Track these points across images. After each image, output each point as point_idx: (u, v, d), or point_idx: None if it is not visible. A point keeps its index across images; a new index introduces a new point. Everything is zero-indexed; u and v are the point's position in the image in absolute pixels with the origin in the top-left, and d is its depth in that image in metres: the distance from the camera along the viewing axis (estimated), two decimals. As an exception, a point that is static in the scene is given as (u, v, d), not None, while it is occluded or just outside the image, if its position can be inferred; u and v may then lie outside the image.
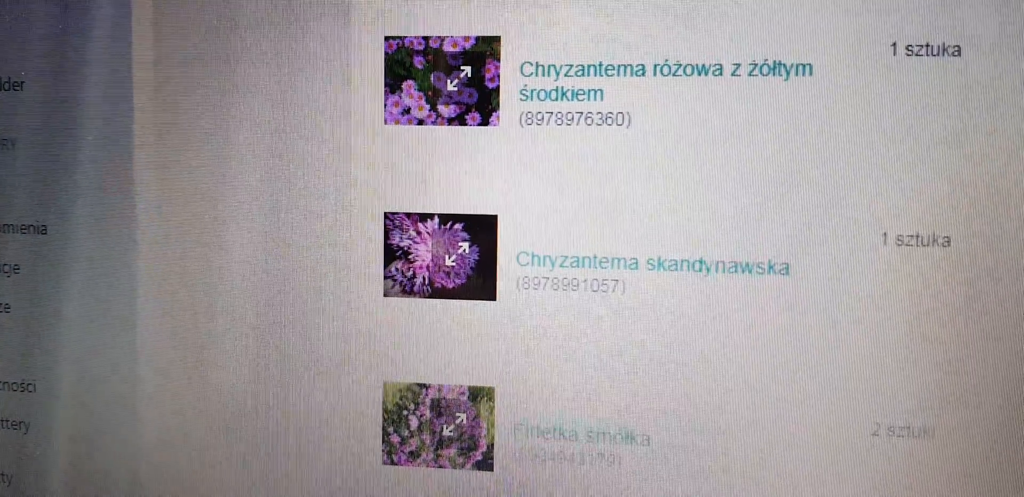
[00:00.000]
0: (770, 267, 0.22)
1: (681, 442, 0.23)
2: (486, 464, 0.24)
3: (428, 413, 0.24)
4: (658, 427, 0.23)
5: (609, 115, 0.23)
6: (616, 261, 0.23)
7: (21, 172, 0.26)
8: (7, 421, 0.27)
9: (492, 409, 0.24)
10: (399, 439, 0.25)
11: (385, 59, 0.24)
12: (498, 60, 0.23)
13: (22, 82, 0.26)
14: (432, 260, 0.24)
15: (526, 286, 0.24)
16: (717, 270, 0.23)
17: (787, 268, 0.22)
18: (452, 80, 0.23)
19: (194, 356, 0.25)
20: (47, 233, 0.26)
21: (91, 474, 0.26)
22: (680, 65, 0.22)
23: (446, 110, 0.24)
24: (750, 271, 0.23)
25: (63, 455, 0.26)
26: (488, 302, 0.24)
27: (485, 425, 0.24)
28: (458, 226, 0.24)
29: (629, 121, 0.23)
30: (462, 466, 0.24)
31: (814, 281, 0.22)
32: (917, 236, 0.22)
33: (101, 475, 0.26)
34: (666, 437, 0.23)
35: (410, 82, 0.24)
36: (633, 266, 0.23)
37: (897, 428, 0.22)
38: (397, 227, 0.24)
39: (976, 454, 0.22)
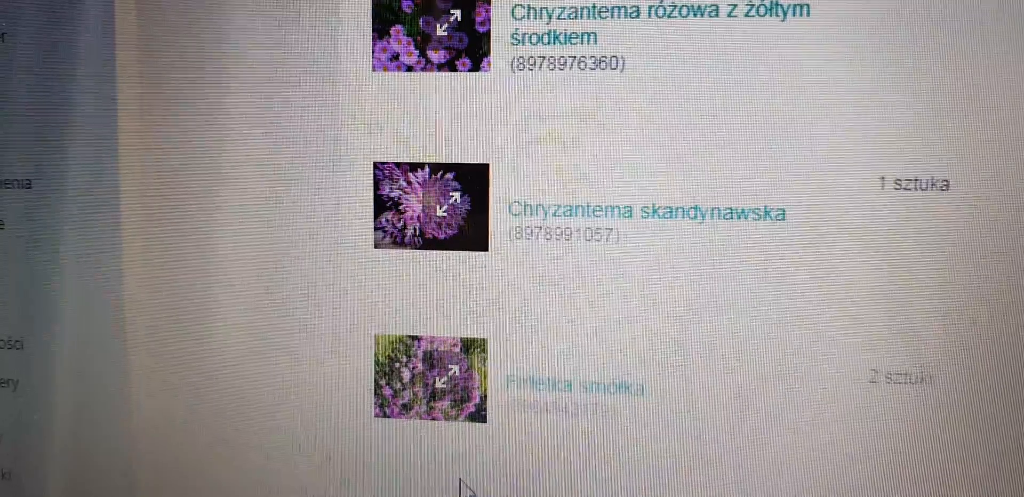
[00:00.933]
0: (766, 213, 0.22)
1: (677, 391, 0.23)
2: (479, 416, 0.24)
3: (420, 365, 0.24)
4: (653, 377, 0.23)
5: (603, 59, 0.22)
6: (610, 210, 0.23)
7: (4, 126, 0.25)
8: (-4, 379, 0.27)
9: (485, 361, 0.24)
10: (391, 392, 0.24)
11: (372, 3, 0.23)
12: (489, 3, 0.23)
13: (3, 33, 0.25)
14: (423, 210, 0.24)
15: (518, 236, 0.23)
16: (712, 217, 0.22)
17: (783, 213, 0.22)
18: (442, 24, 0.23)
19: (183, 309, 0.25)
20: (31, 187, 0.26)
21: (85, 432, 0.26)
22: (675, 6, 0.22)
23: (436, 56, 0.23)
24: (746, 217, 0.22)
25: (55, 413, 0.26)
26: (480, 253, 0.24)
27: (478, 377, 0.24)
28: (449, 175, 0.24)
29: (623, 65, 0.22)
30: (455, 418, 0.24)
31: (811, 226, 0.22)
32: (916, 180, 0.22)
33: (96, 432, 0.26)
34: (662, 387, 0.23)
35: (398, 27, 0.23)
36: (627, 214, 0.23)
37: (895, 375, 0.22)
38: (387, 177, 0.24)
39: (977, 400, 0.22)
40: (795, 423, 0.22)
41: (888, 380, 0.22)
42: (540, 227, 0.23)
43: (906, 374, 0.22)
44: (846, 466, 0.22)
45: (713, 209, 0.22)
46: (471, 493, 0.24)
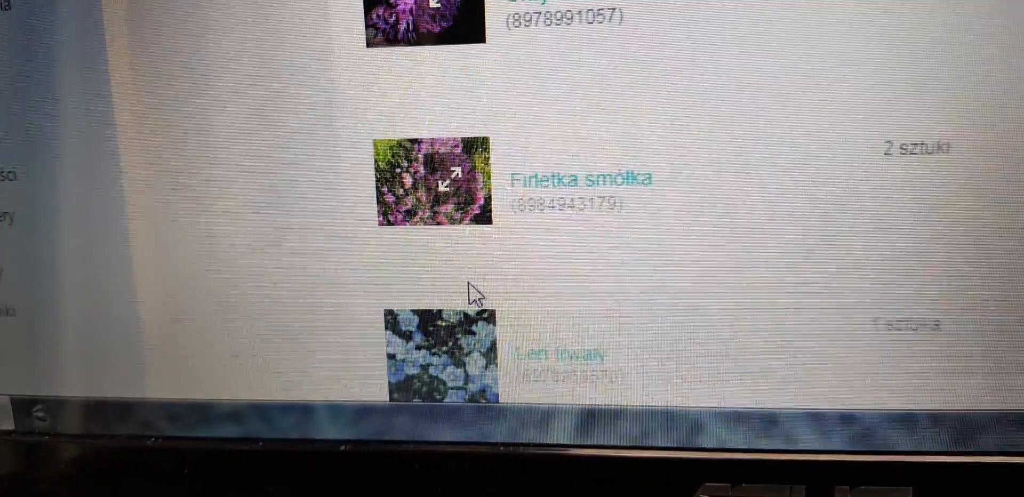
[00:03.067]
0: (776, -21, 0.21)
1: (685, 178, 0.22)
2: (485, 217, 0.23)
3: (422, 169, 0.24)
4: (660, 164, 0.22)
5: None
6: (611, -12, 0.22)
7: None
8: (-9, 211, 0.26)
9: (487, 160, 0.23)
10: (394, 198, 0.24)
11: None
12: None
13: None
14: (415, 2, 0.23)
15: (517, 23, 0.22)
16: (719, -13, 0.21)
17: (794, -21, 0.21)
18: None
19: (177, 134, 0.24)
20: (11, 8, 0.25)
21: (89, 267, 0.26)
22: None
23: None
24: (754, -15, 0.21)
25: (56, 247, 0.26)
26: (477, 45, 0.23)
27: (481, 177, 0.23)
28: (441, -37, 0.22)
29: None
30: (460, 221, 0.24)
31: (823, -9, 0.21)
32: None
33: (100, 267, 0.26)
34: (669, 174, 0.22)
35: None
36: (630, -9, 0.22)
37: (910, 145, 0.21)
38: (376, -31, 0.23)
39: (997, 169, 0.21)
40: (806, 199, 0.22)
41: (903, 151, 0.21)
42: (539, 12, 0.22)
43: (922, 143, 0.21)
44: (855, 241, 0.22)
45: (720, -21, 0.21)
46: (480, 296, 0.24)
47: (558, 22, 0.22)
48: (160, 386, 0.26)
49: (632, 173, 0.23)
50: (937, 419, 0.23)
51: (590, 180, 0.23)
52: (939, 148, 0.21)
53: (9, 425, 0.27)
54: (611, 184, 0.23)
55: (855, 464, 0.23)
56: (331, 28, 0.23)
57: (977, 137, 0.21)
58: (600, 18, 0.22)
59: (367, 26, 0.23)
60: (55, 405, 0.27)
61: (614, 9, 0.22)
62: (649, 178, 0.22)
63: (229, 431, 0.26)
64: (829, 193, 0.22)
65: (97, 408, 0.27)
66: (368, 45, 0.23)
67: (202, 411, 0.26)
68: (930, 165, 0.21)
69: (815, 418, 0.23)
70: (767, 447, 0.23)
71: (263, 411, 0.26)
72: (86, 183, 0.25)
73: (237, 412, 0.26)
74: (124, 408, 0.27)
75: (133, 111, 0.24)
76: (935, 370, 0.22)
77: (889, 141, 0.21)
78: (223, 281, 0.25)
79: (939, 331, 0.22)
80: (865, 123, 0.21)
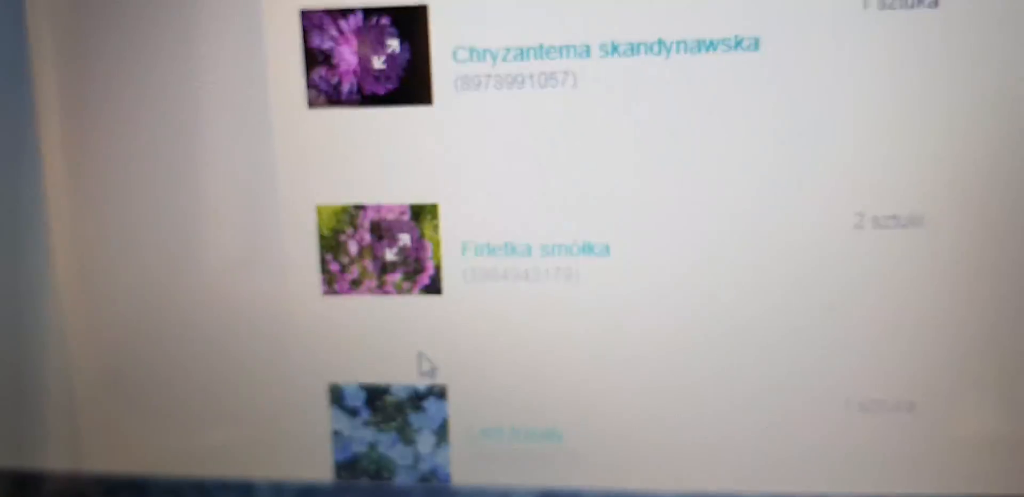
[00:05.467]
0: (737, 43, 0.20)
1: (644, 249, 0.21)
2: (434, 288, 0.22)
3: (368, 236, 0.22)
4: (618, 235, 0.21)
5: None
6: (565, 50, 0.20)
7: None
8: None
9: (437, 228, 0.22)
10: (339, 267, 0.22)
11: None
12: None
13: None
14: (358, 63, 0.21)
15: (465, 86, 0.21)
16: (679, 51, 0.20)
17: (756, 43, 0.20)
18: None
19: (106, 190, 0.23)
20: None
21: (12, 337, 0.24)
22: None
23: None
24: (715, 48, 0.20)
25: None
26: (424, 107, 0.21)
27: (431, 246, 0.22)
28: (384, 21, 0.21)
29: None
30: (409, 291, 0.22)
31: (787, 55, 0.20)
32: (903, -3, 0.19)
33: (24, 336, 0.24)
34: (628, 245, 0.21)
35: None
36: (584, 54, 0.20)
37: (882, 218, 0.20)
38: (316, 27, 0.21)
39: (973, 243, 0.20)
40: (773, 271, 0.21)
41: (875, 224, 0.20)
42: (489, 75, 0.21)
43: (894, 217, 0.20)
44: (825, 317, 0.21)
45: (679, 42, 0.20)
46: (431, 366, 0.22)
47: (509, 85, 0.21)
48: (95, 459, 0.25)
49: (589, 243, 0.21)
50: (913, 503, 0.21)
51: (545, 250, 0.21)
52: (913, 221, 0.20)
53: (-64, 498, 0.26)
54: (567, 255, 0.21)
55: (828, 550, 0.22)
56: (269, 88, 0.22)
57: (952, 210, 0.20)
58: (553, 82, 0.21)
59: (308, 86, 0.22)
60: (-15, 477, 0.25)
61: (567, 72, 0.20)
62: (607, 249, 0.21)
63: (168, 508, 0.24)
64: (796, 267, 0.20)
65: (30, 480, 0.25)
66: (309, 106, 0.22)
67: (139, 486, 0.24)
68: (903, 239, 0.20)
69: (785, 502, 0.22)
70: (734, 533, 0.22)
71: (202, 488, 0.24)
72: (13, 256, 0.24)
73: (175, 488, 0.24)
74: (57, 481, 0.25)
75: (65, 190, 0.23)
76: (910, 453, 0.21)
77: (860, 213, 0.20)
78: (161, 351, 0.23)
79: (914, 412, 0.21)
80: (835, 195, 0.20)
